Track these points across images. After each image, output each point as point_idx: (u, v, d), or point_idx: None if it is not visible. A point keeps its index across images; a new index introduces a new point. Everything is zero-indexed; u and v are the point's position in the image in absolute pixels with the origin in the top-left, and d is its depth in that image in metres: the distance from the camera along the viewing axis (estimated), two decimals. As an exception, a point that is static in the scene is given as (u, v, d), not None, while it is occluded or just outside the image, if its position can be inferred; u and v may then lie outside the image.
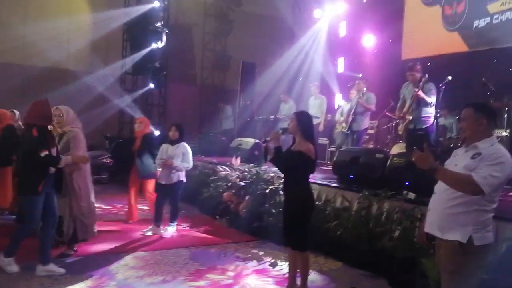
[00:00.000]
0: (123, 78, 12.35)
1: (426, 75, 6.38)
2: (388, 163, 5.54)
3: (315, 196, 5.75)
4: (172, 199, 6.10)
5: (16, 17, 10.99)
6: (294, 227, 3.97)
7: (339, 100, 11.39)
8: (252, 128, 11.13)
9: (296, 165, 3.89)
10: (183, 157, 5.97)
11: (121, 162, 8.71)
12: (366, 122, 8.02)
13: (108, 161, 10.44)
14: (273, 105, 10.92)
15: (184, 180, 6.09)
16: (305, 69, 12.13)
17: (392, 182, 5.27)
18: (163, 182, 6.03)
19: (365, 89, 7.95)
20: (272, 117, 10.69)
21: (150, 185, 6.53)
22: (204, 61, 14.53)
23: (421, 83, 6.29)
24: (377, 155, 5.80)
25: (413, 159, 2.74)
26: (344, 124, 8.35)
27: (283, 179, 4.14)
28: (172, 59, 12.43)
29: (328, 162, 9.38)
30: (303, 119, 3.99)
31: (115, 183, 9.82)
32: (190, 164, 6.05)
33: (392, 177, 5.36)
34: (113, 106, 11.51)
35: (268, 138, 3.92)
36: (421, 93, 6.24)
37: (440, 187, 2.85)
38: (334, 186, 5.87)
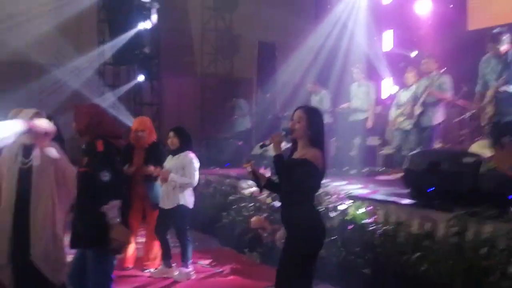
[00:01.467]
0: (102, 70, 12.32)
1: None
2: (481, 169, 5.15)
3: (381, 217, 5.52)
4: (176, 229, 5.97)
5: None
6: (287, 271, 3.69)
7: (388, 86, 11.08)
8: (276, 129, 10.82)
9: (298, 179, 3.64)
10: (183, 171, 5.82)
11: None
12: (440, 115, 7.81)
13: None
14: (302, 97, 10.84)
15: (190, 204, 5.93)
16: (343, 48, 11.83)
17: (489, 196, 4.89)
18: (163, 206, 5.94)
19: (435, 71, 7.63)
20: None
21: None
22: (205, 44, 14.46)
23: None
24: (464, 160, 5.42)
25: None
26: (403, 119, 8.04)
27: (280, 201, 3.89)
28: (165, 43, 12.43)
29: (380, 170, 9.03)
30: (315, 119, 3.74)
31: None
32: (192, 179, 5.84)
33: (489, 189, 4.98)
34: None
35: (267, 142, 3.74)
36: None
37: None
38: (407, 204, 5.53)
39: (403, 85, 8.76)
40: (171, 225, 5.99)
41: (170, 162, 5.94)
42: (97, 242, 3.74)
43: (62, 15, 11.47)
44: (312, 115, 3.73)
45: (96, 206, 3.69)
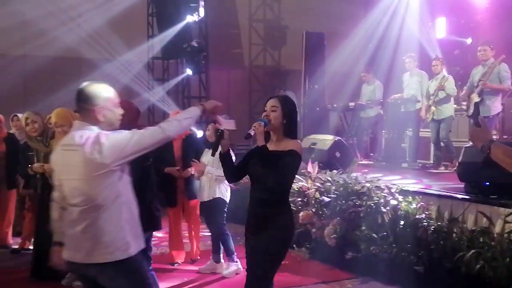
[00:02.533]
0: (151, 65, 12.49)
1: None
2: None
3: (434, 213, 5.39)
4: (211, 223, 5.97)
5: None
6: (259, 274, 3.47)
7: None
8: (325, 121, 10.85)
9: (286, 172, 3.43)
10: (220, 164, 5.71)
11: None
12: (498, 105, 7.53)
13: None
14: (353, 88, 10.72)
15: (226, 197, 5.91)
16: (394, 36, 11.58)
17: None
18: (201, 199, 6.00)
19: (492, 59, 7.35)
20: (351, 104, 10.42)
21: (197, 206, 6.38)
22: (252, 35, 14.45)
23: None
24: (523, 152, 5.20)
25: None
26: (434, 109, 8.15)
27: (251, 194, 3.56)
28: (212, 36, 12.46)
29: (432, 162, 8.83)
30: (289, 108, 3.53)
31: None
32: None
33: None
34: (141, 100, 11.63)
35: (252, 133, 3.42)
36: None
37: None
38: (463, 198, 5.39)
39: (432, 75, 8.59)
40: (208, 218, 6.02)
41: (208, 154, 5.79)
42: None
43: (112, 10, 11.70)
44: (286, 104, 3.53)
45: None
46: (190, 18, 11.39)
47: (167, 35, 11.45)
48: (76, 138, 2.81)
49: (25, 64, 11.21)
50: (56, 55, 11.23)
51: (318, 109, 11.20)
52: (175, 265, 6.31)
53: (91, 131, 2.82)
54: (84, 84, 2.94)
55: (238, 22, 14.33)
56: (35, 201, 5.87)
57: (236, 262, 5.92)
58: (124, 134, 2.82)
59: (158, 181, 4.91)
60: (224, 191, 5.90)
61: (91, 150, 2.72)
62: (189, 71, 11.75)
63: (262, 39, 14.51)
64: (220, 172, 5.41)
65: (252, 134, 3.41)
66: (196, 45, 11.40)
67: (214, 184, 5.81)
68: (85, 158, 2.73)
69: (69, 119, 5.02)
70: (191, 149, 6.23)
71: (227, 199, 5.93)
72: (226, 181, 5.74)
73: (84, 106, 2.88)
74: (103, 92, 2.94)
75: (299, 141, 3.56)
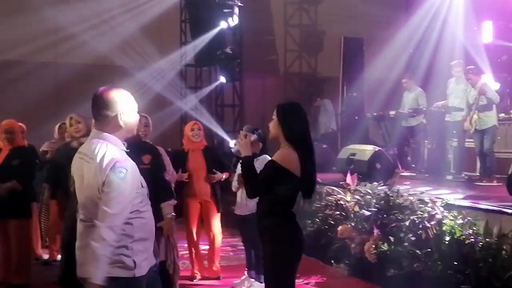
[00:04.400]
0: (184, 72, 12.54)
1: None
2: None
3: (481, 229, 5.25)
4: (250, 239, 5.89)
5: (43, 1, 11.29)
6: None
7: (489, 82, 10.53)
8: (364, 131, 10.82)
9: (261, 185, 3.54)
10: None
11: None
12: None
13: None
14: (393, 95, 10.63)
15: None
16: (436, 41, 11.41)
17: None
18: (239, 213, 5.93)
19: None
20: (392, 112, 10.32)
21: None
22: (288, 41, 14.42)
23: None
24: None
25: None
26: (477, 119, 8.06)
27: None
28: (247, 42, 12.49)
29: (478, 174, 8.63)
30: (286, 114, 3.58)
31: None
32: None
33: None
34: (173, 109, 11.73)
35: (234, 145, 3.55)
36: None
37: None
38: (512, 214, 5.27)
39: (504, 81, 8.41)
40: (247, 233, 5.94)
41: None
42: None
43: (144, 16, 11.79)
44: (282, 110, 3.58)
45: (154, 203, 3.91)
46: (224, 24, 11.41)
47: (200, 41, 11.47)
48: (91, 148, 2.78)
49: (56, 71, 11.35)
50: (87, 62, 11.34)
51: (356, 118, 11.15)
52: (194, 280, 6.32)
53: (106, 142, 2.79)
54: (101, 89, 2.88)
55: (273, 28, 14.29)
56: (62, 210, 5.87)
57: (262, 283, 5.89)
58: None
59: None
60: None
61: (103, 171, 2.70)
62: (222, 79, 11.79)
63: (298, 45, 14.44)
64: None
65: (232, 150, 3.62)
66: (230, 52, 11.45)
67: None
68: (96, 172, 2.71)
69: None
70: (216, 156, 6.33)
71: None
72: None
73: (101, 113, 2.82)
74: (123, 97, 2.87)
75: (291, 150, 3.52)
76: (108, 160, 2.71)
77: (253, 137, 3.82)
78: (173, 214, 4.72)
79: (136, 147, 4.22)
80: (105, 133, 2.82)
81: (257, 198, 5.64)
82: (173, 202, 4.79)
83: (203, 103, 11.95)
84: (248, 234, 5.87)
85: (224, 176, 6.25)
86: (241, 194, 5.81)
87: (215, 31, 11.35)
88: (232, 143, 10.70)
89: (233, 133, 11.35)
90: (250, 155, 3.61)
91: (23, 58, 10.98)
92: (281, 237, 3.55)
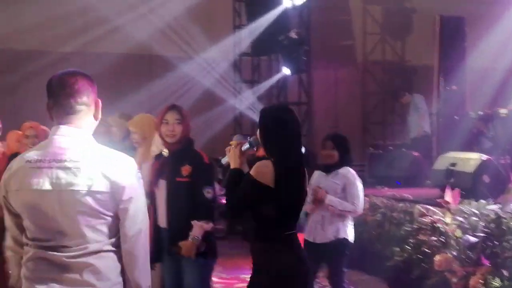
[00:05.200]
0: (238, 63, 12.76)
1: None
2: None
3: None
4: (331, 269, 5.83)
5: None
6: None
7: None
8: (466, 134, 10.21)
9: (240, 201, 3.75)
10: (344, 193, 5.66)
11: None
12: None
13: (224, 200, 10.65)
14: (503, 89, 10.52)
15: (351, 237, 5.74)
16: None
17: None
18: (313, 240, 5.76)
19: None
20: (502, 111, 9.78)
21: None
22: (367, 23, 14.33)
23: None
24: None
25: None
26: None
27: None
28: (316, 24, 12.48)
29: None
30: (264, 120, 3.82)
31: (236, 236, 9.90)
32: (356, 205, 5.65)
33: None
34: (226, 108, 12.09)
35: (223, 160, 3.96)
36: None
37: None
38: None
39: None
40: (324, 264, 5.84)
41: (322, 180, 5.77)
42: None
43: None
44: (262, 115, 3.82)
45: (190, 218, 4.47)
46: (287, 3, 11.39)
47: (258, 25, 11.57)
48: None
49: (84, 62, 11.41)
50: (121, 51, 11.63)
51: (456, 117, 10.72)
52: None
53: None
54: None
55: (349, 6, 14.29)
56: None
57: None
58: None
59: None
60: (350, 228, 5.71)
61: None
62: (286, 70, 11.70)
63: (380, 27, 14.38)
64: (346, 205, 5.64)
65: (223, 163, 3.91)
66: (296, 36, 11.37)
67: (335, 220, 5.59)
68: None
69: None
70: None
71: (352, 239, 5.74)
72: (350, 216, 5.77)
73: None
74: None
75: (268, 161, 3.67)
76: None
77: (245, 146, 3.87)
78: (198, 237, 4.54)
79: (176, 155, 4.60)
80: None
81: (325, 222, 5.76)
82: (207, 225, 4.61)
83: (262, 101, 12.02)
84: (331, 263, 5.80)
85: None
86: (318, 216, 5.70)
87: (276, 11, 11.36)
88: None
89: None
90: (238, 167, 3.80)
91: (46, 48, 11.25)
92: (274, 268, 3.69)
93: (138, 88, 11.14)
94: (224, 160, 3.90)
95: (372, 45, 14.36)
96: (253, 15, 11.74)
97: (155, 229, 4.55)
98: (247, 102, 12.06)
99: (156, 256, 4.44)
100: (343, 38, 14.20)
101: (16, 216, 2.52)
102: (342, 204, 5.57)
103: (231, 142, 3.87)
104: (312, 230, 5.76)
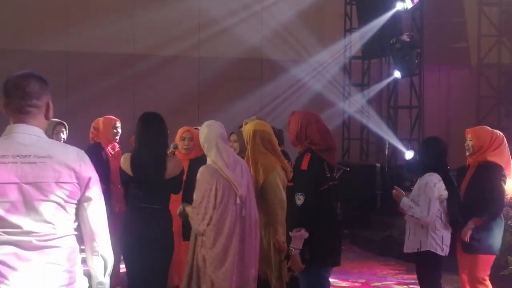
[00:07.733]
0: (348, 66, 12.68)
1: None
2: None
3: None
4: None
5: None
6: None
7: None
8: None
9: None
10: (419, 199, 5.32)
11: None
12: None
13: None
14: None
15: (439, 249, 5.17)
16: None
17: None
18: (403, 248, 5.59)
19: None
20: None
21: None
22: (483, 24, 13.90)
23: None
24: None
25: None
26: None
27: None
28: (428, 27, 12.19)
29: None
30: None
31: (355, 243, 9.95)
32: (423, 212, 5.17)
33: None
34: (334, 111, 11.92)
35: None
36: None
37: None
38: None
39: None
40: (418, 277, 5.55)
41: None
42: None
43: (300, 2, 12.08)
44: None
45: (290, 225, 4.43)
46: (400, 6, 11.15)
47: (369, 28, 11.51)
48: None
49: (198, 67, 11.91)
50: (233, 56, 11.76)
51: None
52: None
53: None
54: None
55: (464, 7, 13.92)
56: None
57: None
58: None
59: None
60: (436, 239, 5.19)
61: None
62: (397, 74, 11.41)
63: (496, 29, 13.92)
64: (415, 210, 5.24)
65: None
66: (408, 39, 11.04)
67: (419, 228, 5.22)
68: None
69: None
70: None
71: (441, 251, 5.18)
72: (437, 226, 5.22)
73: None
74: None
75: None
76: None
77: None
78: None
79: None
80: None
81: (410, 231, 5.47)
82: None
83: (372, 104, 12.03)
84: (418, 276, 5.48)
85: None
86: (408, 224, 5.45)
87: (388, 14, 11.22)
88: (408, 154, 10.38)
89: (409, 141, 11.09)
90: None
91: (159, 53, 11.56)
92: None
93: (249, 92, 11.35)
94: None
95: (487, 47, 13.97)
96: (364, 19, 11.74)
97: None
98: (356, 105, 11.96)
99: None
100: (456, 41, 14.00)
101: None
102: (411, 209, 5.21)
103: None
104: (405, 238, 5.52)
